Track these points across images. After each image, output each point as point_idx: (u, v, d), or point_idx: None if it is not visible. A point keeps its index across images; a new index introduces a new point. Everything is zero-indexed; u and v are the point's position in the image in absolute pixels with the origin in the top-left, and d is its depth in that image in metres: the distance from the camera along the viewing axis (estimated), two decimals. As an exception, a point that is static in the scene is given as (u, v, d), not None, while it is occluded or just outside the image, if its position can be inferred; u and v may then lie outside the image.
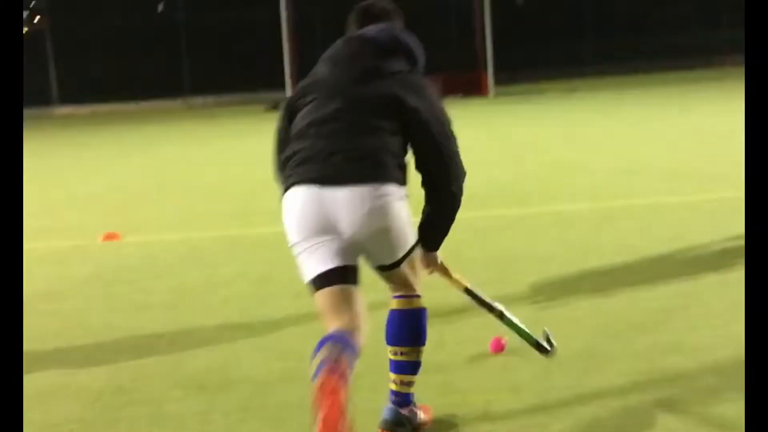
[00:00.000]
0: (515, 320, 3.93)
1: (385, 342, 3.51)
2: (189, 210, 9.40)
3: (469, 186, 3.55)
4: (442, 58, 26.14)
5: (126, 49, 28.46)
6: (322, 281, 3.33)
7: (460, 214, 3.52)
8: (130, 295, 6.06)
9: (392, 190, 3.36)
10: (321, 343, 3.14)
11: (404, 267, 3.47)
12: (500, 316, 3.91)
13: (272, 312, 5.41)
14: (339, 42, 3.64)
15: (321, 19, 27.55)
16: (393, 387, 3.54)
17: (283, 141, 3.70)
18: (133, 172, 13.01)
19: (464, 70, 23.59)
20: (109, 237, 8.01)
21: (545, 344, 3.97)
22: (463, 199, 3.50)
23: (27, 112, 25.85)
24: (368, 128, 3.42)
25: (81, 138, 19.41)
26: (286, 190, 3.47)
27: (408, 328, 3.54)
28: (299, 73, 22.68)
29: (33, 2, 30.75)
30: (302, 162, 3.44)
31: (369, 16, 3.71)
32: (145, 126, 21.12)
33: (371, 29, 3.62)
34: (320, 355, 3.09)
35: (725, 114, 14.71)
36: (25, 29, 32.43)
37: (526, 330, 3.95)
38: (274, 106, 22.77)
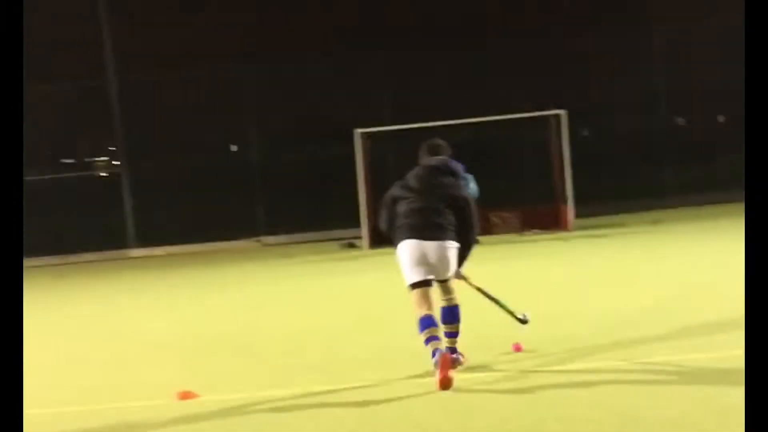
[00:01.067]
0: (506, 304, 8.36)
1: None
2: (267, 362, 8.80)
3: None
4: (520, 192, 25.82)
5: (201, 189, 28.54)
6: (418, 285, 7.38)
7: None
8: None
9: (450, 243, 7.46)
10: (422, 322, 7.23)
11: (450, 281, 7.62)
12: (497, 302, 8.32)
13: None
14: (418, 168, 7.79)
15: (394, 156, 27.43)
16: (447, 344, 7.47)
17: (390, 218, 7.70)
18: (205, 316, 12.53)
19: (543, 204, 23.06)
20: (186, 396, 7.45)
21: (522, 318, 8.41)
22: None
23: (103, 254, 26.05)
24: (438, 211, 7.48)
25: (155, 281, 19.10)
26: (400, 242, 7.51)
27: (452, 315, 7.61)
28: (373, 210, 22.35)
29: (111, 148, 31.15)
30: (410, 228, 7.47)
31: (432, 150, 7.95)
32: (218, 266, 20.80)
33: (434, 159, 7.82)
34: (427, 334, 7.18)
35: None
36: (103, 174, 32.88)
37: (511, 310, 8.37)
38: (350, 245, 22.41)
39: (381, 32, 28.36)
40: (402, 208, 7.50)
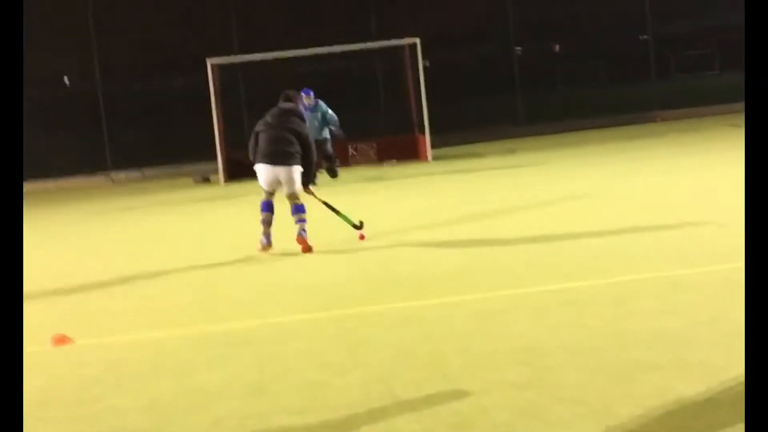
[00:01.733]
0: (345, 214, 10.97)
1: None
2: (143, 303, 8.44)
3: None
4: (375, 124, 25.73)
5: (42, 124, 27.35)
6: (267, 194, 10.53)
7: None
8: (99, 419, 5.16)
9: (295, 167, 10.33)
10: (263, 205, 10.57)
11: (295, 193, 10.40)
12: (332, 209, 11.14)
13: (281, 436, 4.59)
14: (275, 108, 10.59)
15: (244, 87, 26.93)
16: (299, 228, 10.40)
17: (254, 148, 10.51)
18: (69, 257, 11.97)
19: (400, 134, 23.04)
20: (61, 341, 7.06)
21: (358, 225, 10.87)
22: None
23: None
24: (288, 142, 10.33)
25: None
26: (255, 164, 10.47)
27: (297, 209, 10.41)
28: (226, 142, 21.87)
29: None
30: (264, 155, 10.35)
31: (286, 97, 10.73)
32: (70, 204, 20.01)
33: (287, 104, 10.64)
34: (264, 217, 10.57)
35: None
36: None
37: (350, 219, 10.89)
38: (205, 179, 21.90)
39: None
40: (261, 139, 10.49)
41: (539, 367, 5.26)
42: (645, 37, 29.78)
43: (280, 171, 10.30)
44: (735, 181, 11.66)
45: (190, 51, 25.92)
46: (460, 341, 6.00)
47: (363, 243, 10.46)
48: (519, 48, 29.73)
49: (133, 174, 25.79)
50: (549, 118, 27.94)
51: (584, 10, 31.51)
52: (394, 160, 21.57)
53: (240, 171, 21.48)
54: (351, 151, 22.06)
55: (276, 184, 10.43)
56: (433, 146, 21.83)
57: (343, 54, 24.32)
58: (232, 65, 23.90)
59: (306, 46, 22.40)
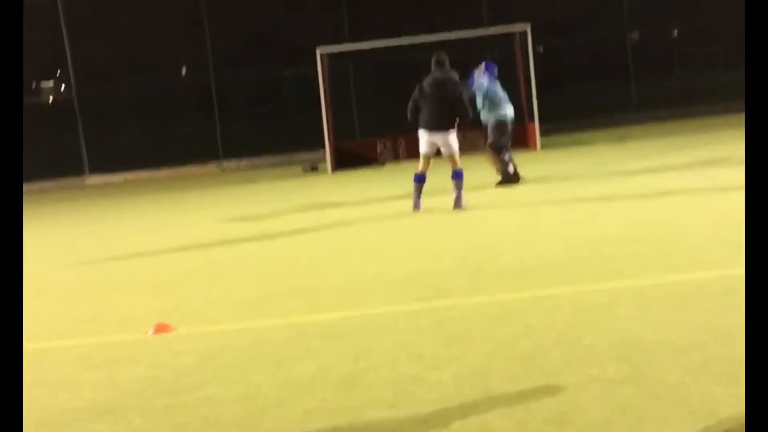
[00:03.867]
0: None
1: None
2: (243, 292, 8.47)
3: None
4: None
5: (155, 114, 27.88)
6: (424, 156, 12.48)
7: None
8: (194, 408, 5.17)
9: (452, 133, 12.28)
10: (417, 177, 12.65)
11: (454, 157, 12.30)
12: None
13: (368, 427, 4.52)
14: (429, 78, 12.35)
15: (353, 75, 26.94)
16: (456, 190, 12.43)
17: (413, 112, 12.47)
18: (173, 247, 12.14)
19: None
20: (161, 329, 7.14)
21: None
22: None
23: (60, 183, 25.43)
24: (441, 112, 12.21)
25: (115, 209, 18.61)
26: (419, 130, 12.41)
27: (457, 175, 12.37)
28: (335, 131, 21.91)
29: (58, 71, 30.29)
30: (423, 121, 12.32)
31: (438, 64, 12.37)
32: (180, 193, 20.34)
33: (438, 72, 12.34)
34: (416, 186, 12.72)
35: None
36: (51, 99, 32.00)
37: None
38: (313, 168, 22.01)
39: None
40: (421, 106, 12.29)
41: (639, 363, 5.08)
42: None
43: (437, 137, 12.22)
44: None
45: (300, 40, 26.12)
46: (560, 335, 5.84)
47: (466, 233, 10.30)
48: (635, 32, 29.14)
49: (244, 162, 26.09)
50: (663, 105, 27.28)
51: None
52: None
53: (347, 160, 21.58)
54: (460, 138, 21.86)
55: (434, 147, 12.35)
56: (543, 134, 21.49)
57: (454, 42, 24.14)
58: (342, 55, 23.93)
59: (416, 34, 22.30)
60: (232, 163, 26.16)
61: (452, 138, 12.26)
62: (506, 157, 14.52)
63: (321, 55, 21.29)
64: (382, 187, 16.93)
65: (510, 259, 8.62)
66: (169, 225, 14.69)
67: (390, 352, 5.86)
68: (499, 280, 7.76)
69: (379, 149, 22.04)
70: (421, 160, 12.48)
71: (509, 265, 8.35)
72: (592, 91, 28.26)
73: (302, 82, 25.27)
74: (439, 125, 12.17)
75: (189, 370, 5.96)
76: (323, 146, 21.59)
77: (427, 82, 12.29)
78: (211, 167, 26.04)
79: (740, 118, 23.07)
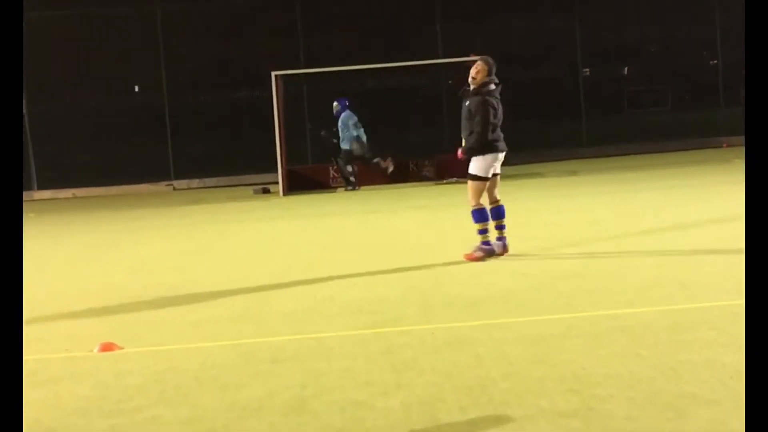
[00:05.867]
0: None
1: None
2: (192, 313, 8.39)
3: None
4: (440, 141, 25.60)
5: (107, 132, 27.67)
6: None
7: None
8: (139, 430, 5.10)
9: None
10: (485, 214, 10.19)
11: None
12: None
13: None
14: (495, 92, 10.08)
15: (307, 99, 26.98)
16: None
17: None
18: (121, 265, 12.00)
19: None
20: (106, 348, 7.04)
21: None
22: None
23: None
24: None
25: (63, 225, 18.39)
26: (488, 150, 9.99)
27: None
28: (288, 155, 21.87)
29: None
30: (500, 141, 10.05)
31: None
32: (130, 212, 20.15)
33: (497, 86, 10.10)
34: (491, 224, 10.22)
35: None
36: None
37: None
38: (265, 190, 21.96)
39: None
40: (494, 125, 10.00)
41: (588, 396, 5.10)
42: (715, 62, 29.37)
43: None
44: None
45: (255, 64, 26.15)
46: (510, 366, 5.85)
47: (417, 261, 10.30)
48: (586, 70, 29.48)
49: (195, 183, 25.98)
50: (614, 140, 27.64)
51: (654, 33, 31.23)
52: (454, 179, 21.41)
53: (300, 183, 21.57)
54: (411, 167, 21.98)
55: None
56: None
57: (409, 70, 24.30)
58: (297, 80, 23.97)
59: (372, 62, 22.40)
60: (183, 183, 26.01)
61: None
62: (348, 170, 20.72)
63: (276, 78, 21.29)
64: (333, 212, 16.93)
65: (461, 288, 8.64)
66: (117, 243, 14.54)
67: (339, 378, 5.83)
68: (450, 310, 7.77)
69: (331, 174, 22.06)
70: (482, 187, 10.21)
71: (460, 294, 8.37)
72: (544, 126, 28.55)
73: (256, 105, 25.24)
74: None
75: (134, 391, 5.88)
76: (275, 170, 21.54)
77: (494, 97, 10.13)
78: (161, 186, 25.88)
79: (687, 156, 23.47)
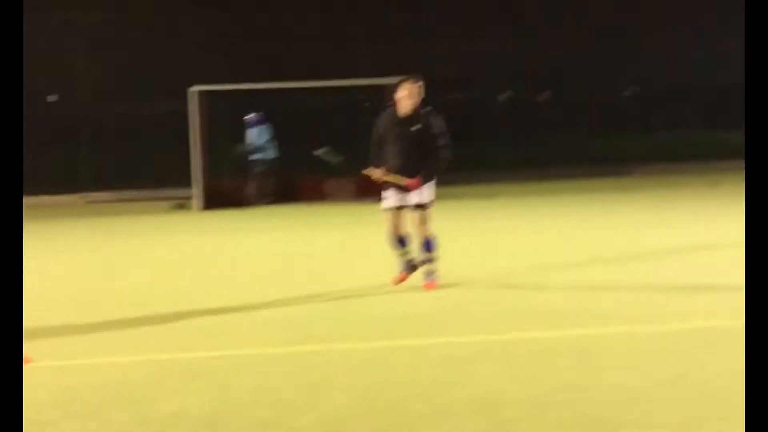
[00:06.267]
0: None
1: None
2: (104, 327, 8.29)
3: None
4: (362, 160, 25.67)
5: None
6: None
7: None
8: (46, 445, 5.03)
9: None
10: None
11: None
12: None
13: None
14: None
15: (229, 115, 26.85)
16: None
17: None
18: (33, 276, 11.76)
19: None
20: (15, 362, 6.91)
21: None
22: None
23: None
24: None
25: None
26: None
27: None
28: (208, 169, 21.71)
29: None
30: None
31: None
32: (43, 222, 19.80)
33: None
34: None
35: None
36: None
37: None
38: (180, 205, 21.75)
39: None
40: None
41: (498, 419, 5.17)
42: (627, 93, 30.02)
43: None
44: (705, 239, 11.73)
45: (176, 78, 25.90)
46: (423, 387, 5.90)
47: (336, 279, 10.30)
48: (504, 94, 29.88)
49: (109, 195, 25.63)
50: (530, 165, 27.99)
51: (572, 59, 31.75)
52: (371, 198, 21.48)
53: (218, 199, 21.39)
54: (328, 187, 21.96)
55: None
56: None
57: (334, 89, 24.38)
58: (217, 95, 23.78)
59: (298, 79, 22.48)
60: (96, 196, 25.64)
61: None
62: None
63: (194, 93, 21.17)
64: (250, 227, 16.87)
65: (376, 308, 8.68)
66: (29, 254, 14.24)
67: (251, 396, 5.82)
68: (365, 329, 7.81)
69: (250, 189, 21.94)
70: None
71: (375, 314, 8.41)
72: (463, 149, 28.79)
73: (175, 119, 25.00)
74: None
75: (43, 405, 5.80)
76: (192, 184, 21.38)
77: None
78: (75, 198, 25.47)
79: (603, 182, 23.88)
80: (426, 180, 9.44)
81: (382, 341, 7.27)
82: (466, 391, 5.77)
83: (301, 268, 11.57)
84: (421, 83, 9.47)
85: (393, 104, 9.52)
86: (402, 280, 9.67)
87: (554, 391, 5.68)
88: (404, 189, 9.46)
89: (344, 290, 9.73)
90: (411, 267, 9.72)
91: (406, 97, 9.38)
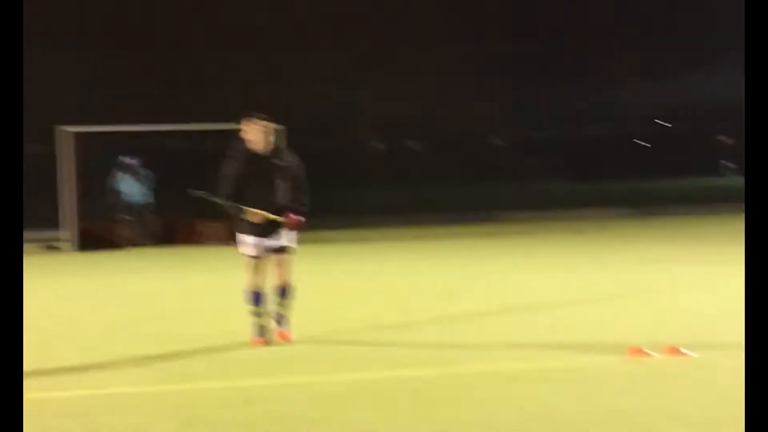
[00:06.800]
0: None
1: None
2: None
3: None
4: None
5: None
6: None
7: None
8: None
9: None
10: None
11: None
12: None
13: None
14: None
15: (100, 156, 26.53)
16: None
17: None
18: None
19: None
20: None
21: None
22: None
23: None
24: None
25: None
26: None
27: None
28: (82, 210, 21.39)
29: None
30: None
31: None
32: None
33: None
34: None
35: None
36: None
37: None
38: (50, 247, 21.32)
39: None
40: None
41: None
42: (499, 142, 30.79)
43: None
44: (565, 282, 12.25)
45: (45, 118, 25.48)
46: (296, 425, 5.98)
47: (209, 319, 10.29)
48: (374, 142, 30.29)
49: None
50: (398, 212, 28.31)
51: (442, 110, 32.41)
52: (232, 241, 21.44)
53: (93, 241, 21.04)
54: (200, 229, 21.76)
55: None
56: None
57: (207, 133, 24.42)
58: (92, 136, 23.50)
59: (172, 122, 22.48)
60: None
61: None
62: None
63: (64, 133, 20.96)
64: (127, 269, 16.71)
65: (254, 347, 8.70)
66: None
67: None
68: (243, 367, 7.86)
69: (126, 232, 21.66)
70: None
71: (255, 352, 8.47)
72: (336, 194, 29.02)
73: (44, 160, 24.53)
74: None
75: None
76: (63, 226, 21.03)
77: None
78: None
79: (475, 228, 24.30)
80: (303, 213, 8.83)
81: (256, 380, 7.34)
82: (342, 428, 5.88)
83: (175, 307, 11.53)
84: (269, 123, 8.88)
85: (244, 142, 8.86)
86: (260, 343, 8.76)
87: (429, 427, 5.82)
88: (271, 230, 8.79)
89: (219, 329, 9.70)
90: (262, 330, 8.85)
91: (261, 132, 8.79)
